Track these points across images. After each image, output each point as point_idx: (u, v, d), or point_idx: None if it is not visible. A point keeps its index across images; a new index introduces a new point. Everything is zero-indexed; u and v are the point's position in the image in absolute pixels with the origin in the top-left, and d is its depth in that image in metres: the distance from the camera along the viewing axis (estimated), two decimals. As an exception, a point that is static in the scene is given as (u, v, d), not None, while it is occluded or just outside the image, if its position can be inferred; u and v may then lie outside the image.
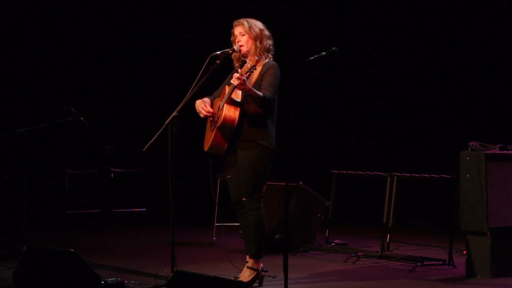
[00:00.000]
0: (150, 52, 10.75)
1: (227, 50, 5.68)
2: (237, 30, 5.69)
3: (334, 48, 5.25)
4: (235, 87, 5.37)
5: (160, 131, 5.40)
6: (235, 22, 5.71)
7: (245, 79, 5.31)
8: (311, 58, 5.18)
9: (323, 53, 5.23)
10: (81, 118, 7.01)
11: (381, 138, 10.39)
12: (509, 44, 9.23)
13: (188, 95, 5.47)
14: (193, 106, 5.73)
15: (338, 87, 10.61)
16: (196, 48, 10.10)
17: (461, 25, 9.65)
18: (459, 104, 9.69)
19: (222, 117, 5.48)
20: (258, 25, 5.69)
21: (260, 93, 5.44)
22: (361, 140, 10.57)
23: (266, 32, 5.69)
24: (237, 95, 5.49)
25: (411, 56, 10.09)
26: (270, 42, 5.70)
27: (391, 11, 10.19)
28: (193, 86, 5.48)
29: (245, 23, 5.67)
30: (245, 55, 5.70)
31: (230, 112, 5.50)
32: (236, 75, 5.30)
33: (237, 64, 5.79)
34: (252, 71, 5.44)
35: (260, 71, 5.60)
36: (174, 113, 5.38)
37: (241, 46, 5.67)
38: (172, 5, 10.75)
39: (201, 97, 5.76)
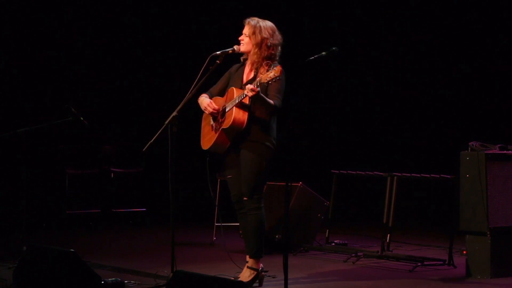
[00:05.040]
0: (150, 52, 10.75)
1: (227, 50, 5.69)
2: (244, 29, 5.70)
3: (334, 48, 5.24)
4: (247, 96, 5.37)
5: (160, 131, 5.41)
6: (247, 20, 5.70)
7: (259, 90, 5.31)
8: (311, 58, 5.17)
9: (323, 53, 5.22)
10: (81, 118, 7.01)
11: (381, 138, 10.39)
12: (509, 44, 9.23)
13: (188, 95, 5.48)
14: (194, 106, 5.73)
15: (338, 87, 10.61)
16: (196, 48, 10.10)
17: (461, 25, 9.65)
18: (459, 104, 9.69)
19: (231, 120, 5.48)
20: (264, 32, 5.62)
21: (271, 102, 5.46)
22: (361, 140, 10.57)
23: (271, 41, 5.61)
24: (246, 99, 5.49)
25: (411, 56, 10.09)
26: (273, 51, 5.63)
27: (391, 11, 10.19)
28: (193, 86, 5.49)
29: (251, 27, 5.64)
30: (244, 53, 5.73)
31: (240, 115, 5.51)
32: (250, 86, 5.30)
33: (241, 60, 5.82)
34: (275, 81, 5.36)
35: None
36: (174, 113, 5.39)
37: (242, 45, 5.70)
38: (172, 4, 10.75)
39: (200, 95, 5.77)
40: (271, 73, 5.27)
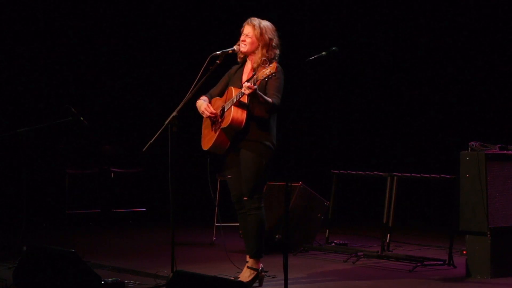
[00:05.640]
0: (150, 52, 10.75)
1: (227, 50, 5.68)
2: (246, 30, 5.66)
3: (334, 48, 5.24)
4: (245, 94, 5.37)
5: (160, 131, 5.41)
6: (249, 20, 5.68)
7: (256, 88, 5.32)
8: (311, 58, 5.17)
9: (323, 53, 5.22)
10: (81, 118, 7.01)
11: (381, 138, 10.39)
12: (509, 44, 9.23)
13: (188, 95, 5.48)
14: (194, 106, 5.73)
15: (338, 87, 10.61)
16: (196, 48, 10.10)
17: (461, 25, 9.65)
18: (459, 104, 9.69)
19: (230, 119, 5.49)
20: (269, 33, 5.63)
21: (270, 100, 5.46)
22: (361, 140, 10.58)
23: (275, 41, 5.65)
24: (244, 97, 5.49)
25: (411, 56, 10.09)
26: (276, 51, 5.66)
27: (391, 11, 10.19)
28: (193, 86, 5.49)
29: (257, 28, 5.61)
30: (245, 54, 5.72)
31: (238, 114, 5.51)
32: (247, 84, 5.31)
33: (238, 60, 5.81)
34: (271, 77, 5.38)
35: None
36: (174, 113, 5.39)
37: (243, 46, 5.67)
38: (172, 5, 10.75)
39: (199, 97, 5.78)
40: (267, 69, 5.28)
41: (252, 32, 5.63)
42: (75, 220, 9.57)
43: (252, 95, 5.35)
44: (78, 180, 9.83)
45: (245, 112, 5.53)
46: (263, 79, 5.31)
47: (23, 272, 5.03)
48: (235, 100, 5.49)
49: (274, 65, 5.28)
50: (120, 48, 10.58)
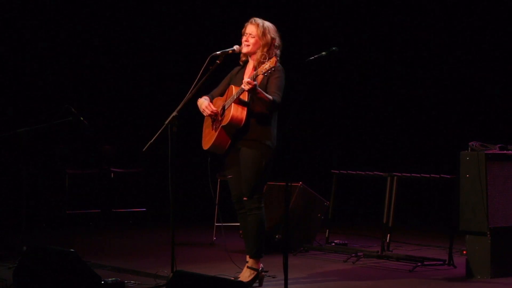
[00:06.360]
0: (150, 52, 10.75)
1: (227, 50, 5.68)
2: (249, 29, 5.67)
3: (334, 48, 5.25)
4: (245, 91, 5.37)
5: (160, 131, 5.41)
6: (252, 20, 5.69)
7: (256, 83, 5.32)
8: (311, 58, 5.18)
9: (323, 53, 5.23)
10: (81, 118, 7.01)
11: (381, 138, 10.39)
12: (509, 43, 9.23)
13: (188, 95, 5.48)
14: (194, 106, 5.73)
15: (338, 87, 10.61)
16: (196, 48, 10.10)
17: (461, 24, 9.65)
18: (459, 104, 9.69)
19: (229, 117, 5.49)
20: (272, 32, 5.66)
21: (270, 97, 5.46)
22: (361, 140, 10.57)
23: (277, 41, 5.67)
24: (244, 95, 5.50)
25: (411, 55, 10.09)
26: (277, 51, 5.68)
27: (391, 11, 10.20)
28: (193, 86, 5.49)
29: (260, 27, 5.63)
30: (247, 54, 5.72)
31: (238, 112, 5.51)
32: (246, 80, 5.31)
33: (240, 62, 5.81)
34: (270, 72, 5.39)
35: None
36: (174, 113, 5.39)
37: (246, 46, 5.67)
38: (172, 4, 10.75)
39: (200, 97, 5.77)
40: (266, 65, 5.30)
41: (256, 31, 5.63)
42: (75, 220, 9.57)
43: (252, 91, 5.35)
44: (78, 180, 9.83)
45: (245, 109, 5.52)
46: (263, 74, 5.32)
47: (23, 272, 5.03)
48: (235, 97, 5.49)
49: (273, 59, 5.31)
50: (120, 48, 10.58)
